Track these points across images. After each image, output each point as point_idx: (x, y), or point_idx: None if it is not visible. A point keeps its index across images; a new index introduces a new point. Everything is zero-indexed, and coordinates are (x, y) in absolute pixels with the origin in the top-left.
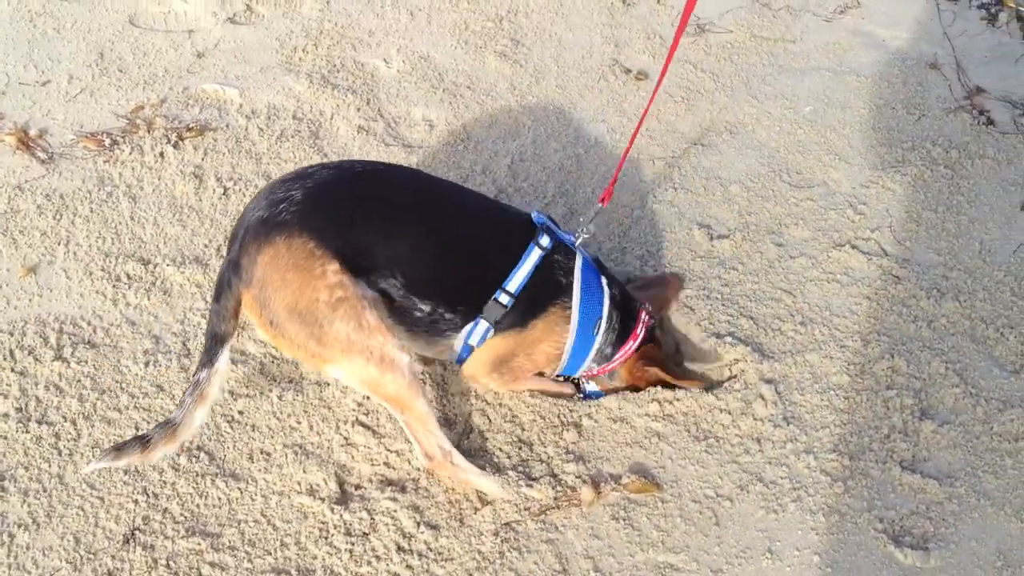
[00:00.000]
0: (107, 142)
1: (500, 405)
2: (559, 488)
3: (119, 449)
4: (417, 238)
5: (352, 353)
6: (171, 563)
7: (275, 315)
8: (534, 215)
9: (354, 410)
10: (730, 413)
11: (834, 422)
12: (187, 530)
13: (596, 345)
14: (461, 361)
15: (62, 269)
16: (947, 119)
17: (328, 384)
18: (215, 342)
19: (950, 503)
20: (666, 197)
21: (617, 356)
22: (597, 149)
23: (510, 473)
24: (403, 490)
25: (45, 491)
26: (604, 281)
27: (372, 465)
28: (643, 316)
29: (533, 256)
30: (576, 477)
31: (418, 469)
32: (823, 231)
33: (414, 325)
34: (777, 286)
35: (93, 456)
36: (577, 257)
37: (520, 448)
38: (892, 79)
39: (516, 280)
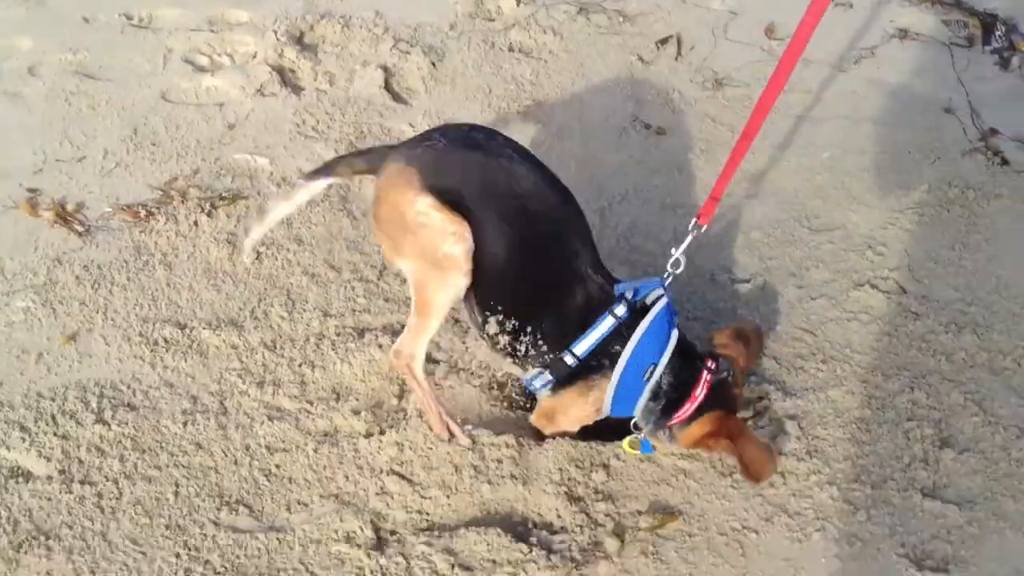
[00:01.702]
0: (142, 213)
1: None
2: (591, 531)
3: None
4: (505, 247)
5: (423, 260)
6: None
7: (381, 206)
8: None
9: (388, 461)
10: None
11: (856, 454)
12: None
13: (644, 399)
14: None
15: (101, 336)
16: (962, 161)
17: (362, 436)
18: (326, 171)
19: (970, 527)
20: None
21: (674, 417)
22: (621, 202)
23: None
24: (438, 535)
25: (89, 548)
26: (674, 335)
27: (407, 512)
28: (704, 375)
29: (604, 325)
30: (606, 516)
31: (452, 510)
32: (843, 272)
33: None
34: (799, 326)
35: (136, 514)
36: (654, 310)
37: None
38: (908, 124)
39: (583, 345)
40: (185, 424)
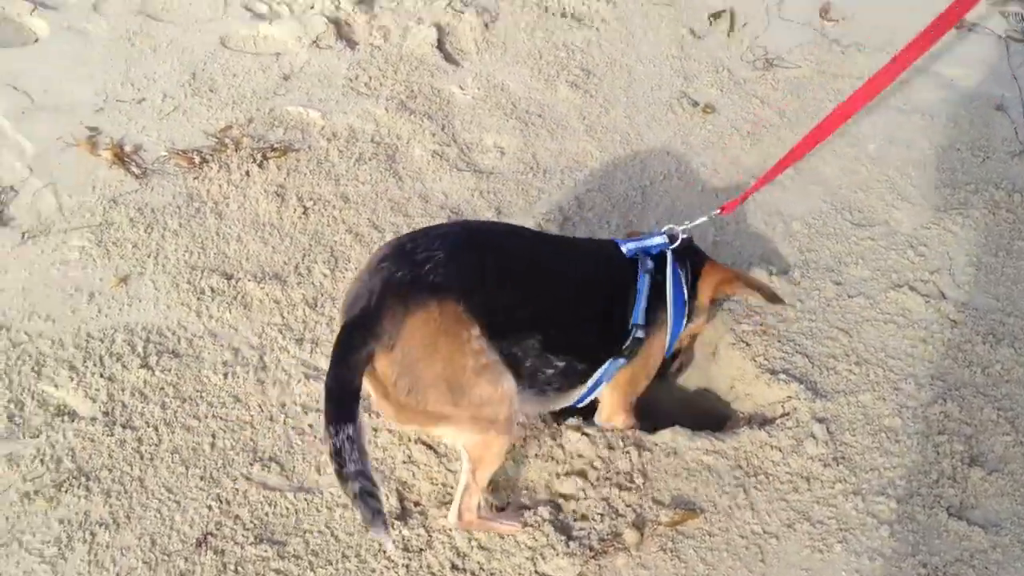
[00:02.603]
0: (197, 160)
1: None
2: (611, 520)
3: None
4: (551, 291)
5: (480, 418)
6: (239, 568)
7: (418, 380)
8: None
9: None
10: (781, 450)
11: (883, 465)
12: (256, 537)
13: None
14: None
15: (151, 280)
16: (1011, 162)
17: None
18: (350, 398)
19: (994, 552)
20: (726, 232)
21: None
22: (663, 181)
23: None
24: None
25: (126, 493)
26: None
27: (432, 484)
28: (669, 256)
29: (646, 284)
30: (627, 506)
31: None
32: (882, 271)
33: (543, 385)
34: (834, 324)
35: (173, 462)
36: (668, 260)
37: (575, 479)
38: (958, 120)
39: (641, 311)
40: (225, 376)
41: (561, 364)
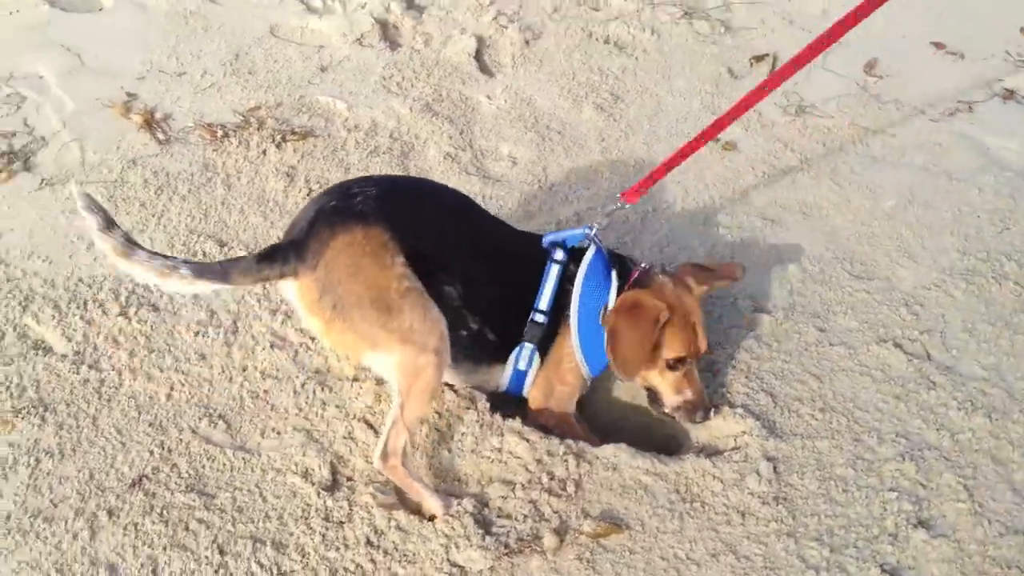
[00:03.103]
0: (219, 133)
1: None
2: (534, 523)
3: (94, 207)
4: (476, 247)
5: (408, 343)
6: (165, 512)
7: (341, 299)
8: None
9: (363, 409)
10: (722, 482)
11: (825, 512)
12: (188, 487)
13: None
14: (509, 392)
15: (149, 238)
16: None
17: (348, 380)
18: (216, 275)
19: None
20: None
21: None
22: (665, 210)
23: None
24: (387, 491)
25: (78, 427)
26: (614, 271)
27: (367, 463)
28: (635, 274)
29: (553, 272)
30: (554, 512)
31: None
32: (870, 324)
33: (459, 349)
34: (807, 369)
35: (128, 407)
36: (586, 255)
37: (507, 478)
38: (984, 187)
39: (545, 297)
40: (196, 334)
41: (475, 327)
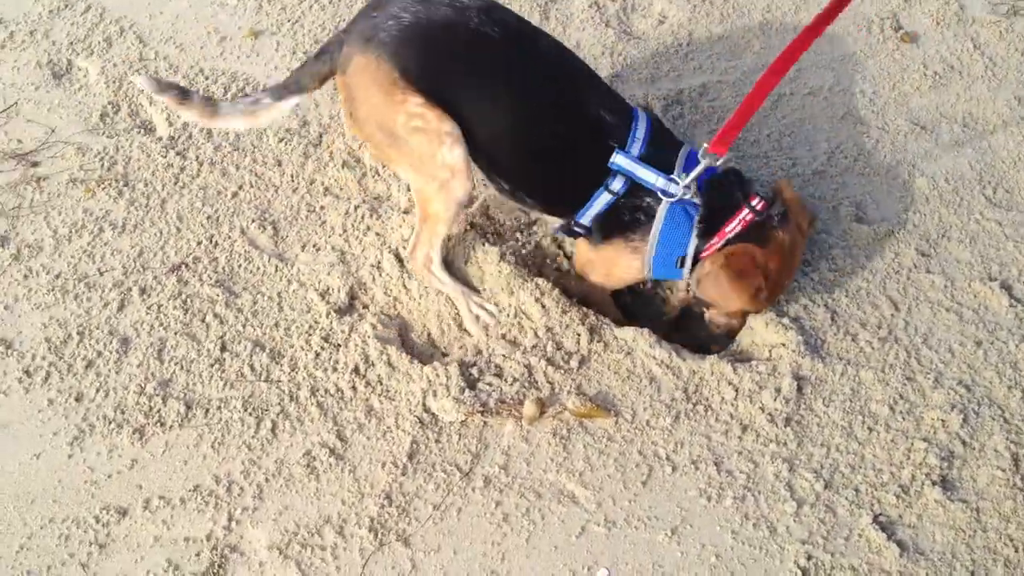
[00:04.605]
0: None
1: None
2: (521, 388)
3: (164, 86)
4: (504, 124)
5: (420, 172)
6: (188, 301)
7: (358, 113)
8: (635, 121)
9: (399, 240)
10: (736, 390)
11: (837, 445)
12: (217, 281)
13: (686, 270)
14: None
15: (277, 40)
16: None
17: (398, 211)
18: (292, 88)
19: None
20: (841, 162)
21: (705, 251)
22: (805, 95)
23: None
24: (392, 325)
25: (146, 206)
26: (696, 219)
27: (385, 295)
28: (743, 213)
29: (602, 200)
30: (547, 382)
31: (422, 311)
32: (985, 259)
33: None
34: (887, 293)
35: (195, 197)
36: (660, 210)
37: (512, 344)
38: None
39: (587, 216)
40: (280, 140)
41: (507, 187)
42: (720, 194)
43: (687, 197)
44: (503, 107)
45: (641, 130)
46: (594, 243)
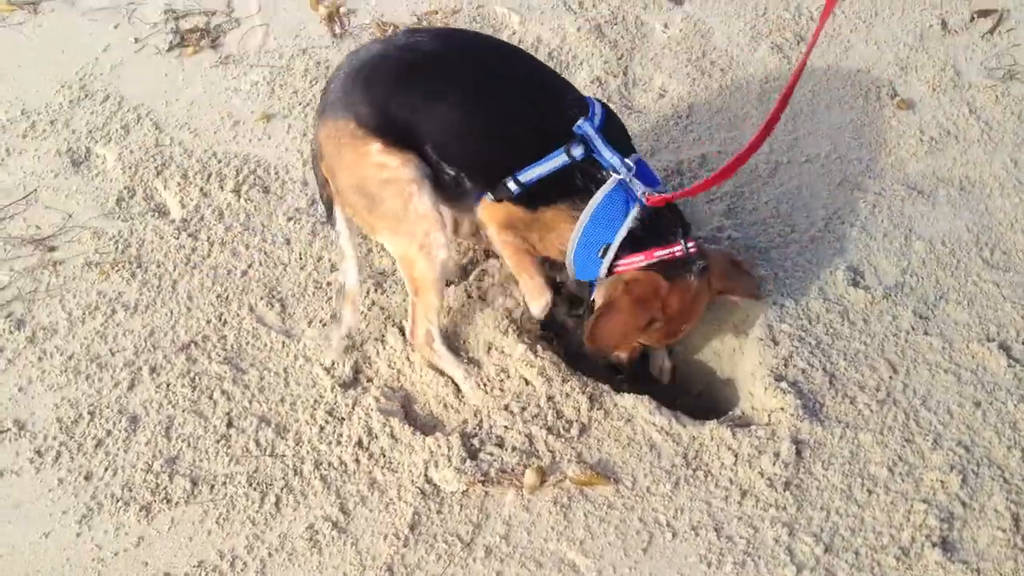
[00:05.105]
0: (389, 32)
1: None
2: (522, 458)
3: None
4: (451, 109)
5: (398, 233)
6: (197, 379)
7: (338, 185)
8: (588, 114)
9: (403, 315)
10: (736, 455)
11: (838, 509)
12: (225, 358)
13: (604, 265)
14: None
15: (288, 124)
16: None
17: (397, 292)
18: (327, 205)
19: None
20: (838, 228)
21: (620, 264)
22: (803, 163)
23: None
24: (395, 399)
25: (158, 288)
26: (634, 212)
27: (390, 368)
28: (675, 248)
29: (556, 161)
30: (548, 450)
31: (425, 385)
32: (982, 320)
33: (444, 188)
34: (886, 356)
35: (206, 276)
36: (597, 194)
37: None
38: None
39: (530, 174)
40: (290, 219)
41: (451, 172)
42: (663, 221)
43: (636, 192)
44: (452, 103)
45: (597, 118)
46: (530, 206)
